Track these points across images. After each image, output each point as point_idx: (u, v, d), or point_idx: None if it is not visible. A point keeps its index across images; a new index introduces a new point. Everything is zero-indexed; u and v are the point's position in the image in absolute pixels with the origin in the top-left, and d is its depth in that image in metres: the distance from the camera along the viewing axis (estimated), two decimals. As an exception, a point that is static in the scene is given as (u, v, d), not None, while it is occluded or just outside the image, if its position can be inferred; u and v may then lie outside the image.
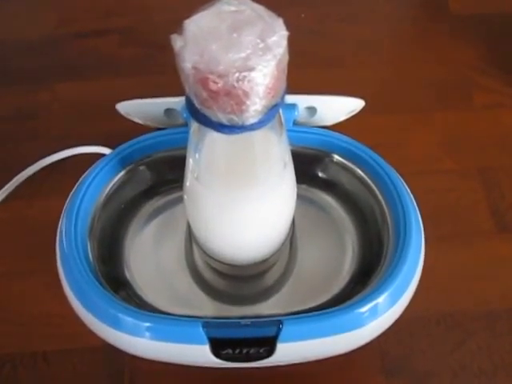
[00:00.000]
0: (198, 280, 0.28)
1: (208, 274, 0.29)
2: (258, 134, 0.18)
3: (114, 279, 0.26)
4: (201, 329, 0.22)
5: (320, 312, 0.23)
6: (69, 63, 0.47)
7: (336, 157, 0.29)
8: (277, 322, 0.22)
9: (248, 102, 0.15)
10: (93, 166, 0.27)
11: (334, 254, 0.29)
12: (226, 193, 0.20)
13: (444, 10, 0.51)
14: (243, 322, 0.22)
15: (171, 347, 0.23)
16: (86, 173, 0.26)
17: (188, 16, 0.16)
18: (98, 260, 0.25)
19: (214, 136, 0.18)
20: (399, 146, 0.39)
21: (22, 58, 0.48)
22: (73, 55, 0.48)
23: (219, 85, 0.14)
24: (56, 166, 0.40)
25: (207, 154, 0.20)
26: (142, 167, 0.29)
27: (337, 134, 0.27)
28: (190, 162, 0.20)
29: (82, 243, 0.25)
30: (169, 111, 0.28)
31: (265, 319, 0.23)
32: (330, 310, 0.23)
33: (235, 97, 0.15)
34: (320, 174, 0.30)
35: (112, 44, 0.49)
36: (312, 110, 0.29)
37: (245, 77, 0.14)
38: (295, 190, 0.23)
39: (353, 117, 0.33)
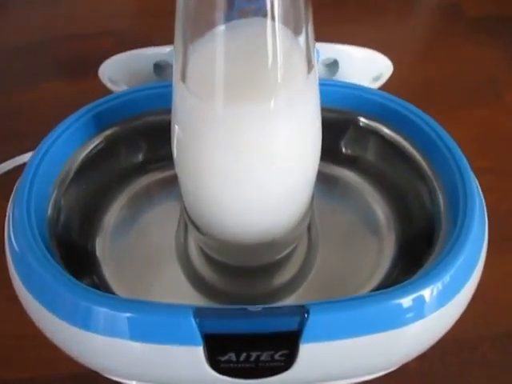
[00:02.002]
0: (191, 276, 0.22)
1: (205, 270, 0.22)
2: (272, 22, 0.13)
3: (78, 263, 0.19)
4: (191, 319, 0.15)
5: (354, 297, 0.17)
6: (58, 64, 0.45)
7: (362, 119, 0.23)
8: (300, 310, 0.15)
9: None
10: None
11: (365, 243, 0.23)
12: (228, 109, 0.14)
13: (458, 12, 0.49)
14: (252, 308, 0.16)
15: (148, 350, 0.16)
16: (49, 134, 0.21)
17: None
18: (60, 236, 0.19)
19: (213, 32, 0.13)
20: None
21: (11, 60, 0.45)
22: (63, 57, 0.45)
23: None
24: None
25: (202, 56, 0.14)
26: (126, 133, 0.23)
27: (364, 87, 0.22)
28: (178, 66, 0.14)
29: (38, 218, 0.19)
30: (159, 67, 0.23)
31: (283, 305, 0.16)
32: (368, 294, 0.17)
33: None
34: (342, 145, 0.24)
35: (105, 46, 0.46)
36: (333, 67, 0.23)
37: None
38: (320, 117, 0.17)
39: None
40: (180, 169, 0.18)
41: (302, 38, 0.14)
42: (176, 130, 0.18)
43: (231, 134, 0.15)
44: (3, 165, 0.35)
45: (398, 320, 0.17)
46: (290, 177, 0.17)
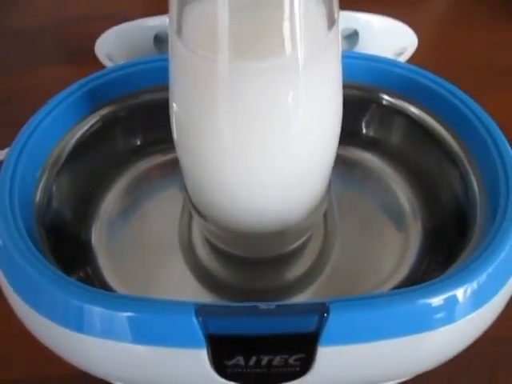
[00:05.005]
0: (196, 269, 0.20)
1: (210, 262, 0.20)
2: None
3: (71, 254, 0.17)
4: (193, 318, 0.13)
5: (380, 295, 0.15)
6: (58, 48, 0.43)
7: (386, 97, 0.21)
8: (319, 308, 0.13)
9: None
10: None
11: (388, 233, 0.20)
12: (233, 65, 0.12)
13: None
14: (263, 306, 0.14)
15: (147, 353, 0.14)
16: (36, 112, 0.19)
17: None
18: (50, 225, 0.17)
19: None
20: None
21: (10, 44, 0.43)
22: (63, 40, 0.43)
23: None
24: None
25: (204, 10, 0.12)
26: (124, 112, 0.21)
27: (388, 59, 0.20)
28: (173, 15, 0.12)
29: (23, 204, 0.17)
30: (160, 40, 0.21)
31: (299, 303, 0.14)
32: (396, 292, 0.15)
33: None
34: (363, 126, 0.22)
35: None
36: (352, 40, 0.21)
37: None
38: (341, 87, 0.15)
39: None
40: (180, 149, 0.16)
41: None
42: (174, 104, 0.15)
43: (237, 98, 0.13)
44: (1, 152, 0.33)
45: (427, 322, 0.15)
46: (305, 153, 0.14)
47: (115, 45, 0.22)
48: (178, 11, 0.13)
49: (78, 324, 0.14)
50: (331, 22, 0.13)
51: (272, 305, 0.14)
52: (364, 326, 0.14)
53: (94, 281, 0.18)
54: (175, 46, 0.13)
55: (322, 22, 0.13)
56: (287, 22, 0.12)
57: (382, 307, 0.14)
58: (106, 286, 0.18)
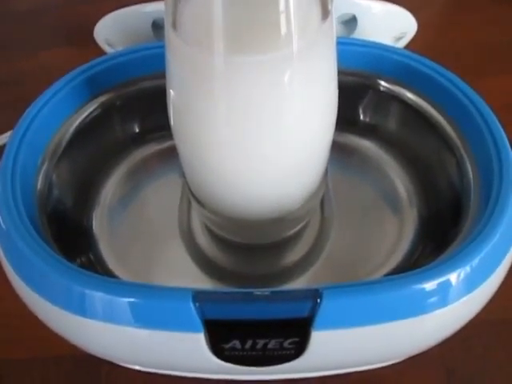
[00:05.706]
0: (195, 255, 0.20)
1: (210, 248, 0.20)
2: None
3: (73, 240, 0.18)
4: (190, 304, 0.14)
5: (371, 281, 0.15)
6: (58, 31, 0.42)
7: (383, 83, 0.21)
8: (312, 294, 0.14)
9: None
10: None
11: (384, 220, 0.21)
12: (230, 60, 0.12)
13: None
14: (258, 292, 0.14)
15: (148, 336, 0.15)
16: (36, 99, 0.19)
17: None
18: (52, 212, 0.18)
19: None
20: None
21: (10, 27, 0.43)
22: (63, 23, 0.43)
23: None
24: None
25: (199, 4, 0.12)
26: (123, 99, 0.21)
27: (385, 45, 0.20)
28: (169, 8, 0.12)
29: (25, 192, 0.17)
30: (158, 26, 0.21)
31: (293, 289, 0.14)
32: (387, 278, 0.15)
33: None
34: (360, 112, 0.22)
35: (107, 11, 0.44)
36: (350, 24, 0.21)
37: None
38: (336, 75, 0.15)
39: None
40: (178, 138, 0.16)
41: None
42: (171, 93, 0.16)
43: (233, 91, 0.13)
44: (2, 136, 0.34)
45: (418, 307, 0.15)
46: (300, 144, 0.15)
47: (113, 30, 0.23)
48: (173, 4, 0.13)
49: (81, 308, 0.15)
50: (325, 13, 0.13)
51: (267, 291, 0.14)
52: (356, 311, 0.14)
53: (96, 266, 0.18)
54: (171, 38, 0.13)
55: (316, 14, 0.13)
56: (280, 15, 0.12)
57: (375, 293, 0.14)
58: (107, 272, 0.18)
